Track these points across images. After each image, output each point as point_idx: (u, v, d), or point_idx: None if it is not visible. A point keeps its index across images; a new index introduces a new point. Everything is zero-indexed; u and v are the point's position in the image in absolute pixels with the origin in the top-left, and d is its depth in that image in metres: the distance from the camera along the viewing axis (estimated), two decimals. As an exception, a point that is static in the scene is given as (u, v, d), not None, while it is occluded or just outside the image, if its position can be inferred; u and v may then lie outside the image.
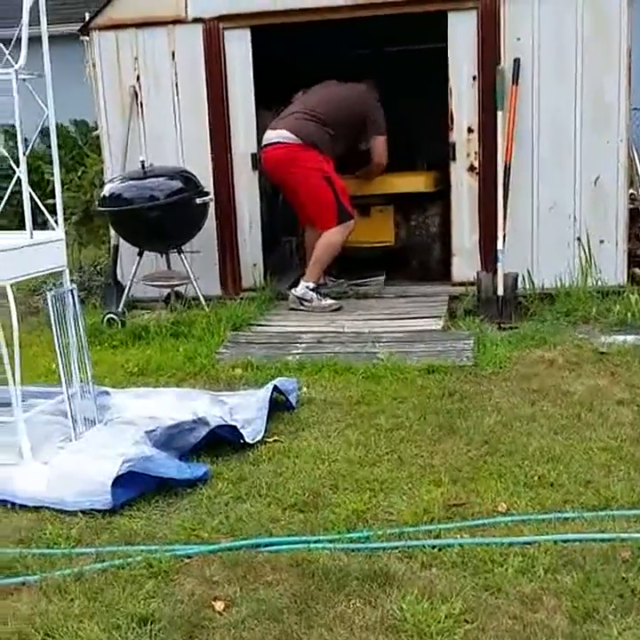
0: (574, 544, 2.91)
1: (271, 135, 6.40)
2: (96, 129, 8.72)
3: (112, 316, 6.16)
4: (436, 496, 3.34)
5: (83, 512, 3.36)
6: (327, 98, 6.45)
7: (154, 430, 3.90)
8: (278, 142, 6.34)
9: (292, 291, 6.39)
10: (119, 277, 6.80)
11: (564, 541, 2.93)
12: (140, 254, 6.40)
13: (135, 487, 3.50)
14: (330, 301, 6.33)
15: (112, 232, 6.77)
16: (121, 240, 6.64)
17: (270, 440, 4.01)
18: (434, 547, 2.96)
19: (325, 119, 6.32)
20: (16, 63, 3.86)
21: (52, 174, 7.52)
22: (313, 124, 6.31)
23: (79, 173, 8.22)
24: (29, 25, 3.82)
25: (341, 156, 6.54)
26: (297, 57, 7.49)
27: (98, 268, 7.88)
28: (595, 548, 2.88)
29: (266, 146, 6.43)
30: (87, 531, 3.25)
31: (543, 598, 2.63)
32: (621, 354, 4.97)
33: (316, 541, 3.05)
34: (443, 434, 3.99)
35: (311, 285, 6.32)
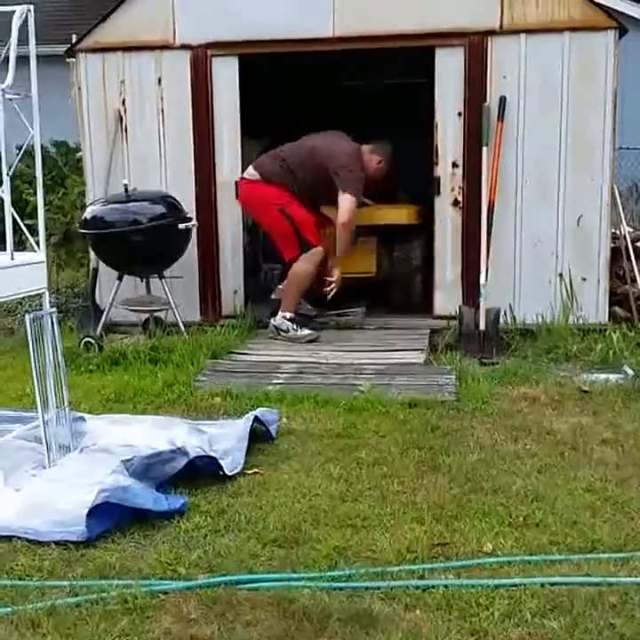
0: (561, 587, 2.86)
1: (246, 172, 6.49)
2: (76, 150, 8.68)
3: (89, 339, 6.07)
4: (419, 534, 3.28)
5: (56, 543, 3.25)
6: (301, 146, 6.40)
7: (131, 459, 3.80)
8: (243, 178, 6.44)
9: (271, 320, 6.36)
10: (97, 300, 6.72)
11: (551, 584, 2.88)
12: (120, 278, 6.33)
13: (110, 518, 3.40)
14: (306, 332, 6.30)
15: (92, 255, 6.70)
16: (100, 263, 6.56)
17: (250, 472, 3.94)
18: (418, 587, 2.89)
19: (291, 164, 6.32)
20: (3, 82, 3.83)
21: (31, 194, 7.50)
22: (277, 165, 6.35)
23: (59, 195, 8.15)
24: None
25: (314, 197, 6.48)
26: (286, 86, 7.52)
27: (75, 290, 7.79)
28: (582, 591, 2.82)
29: (240, 180, 6.53)
30: (60, 563, 3.14)
31: (531, 644, 2.57)
32: (604, 393, 4.96)
33: (296, 579, 2.97)
34: (425, 470, 3.93)
35: (288, 315, 6.30)
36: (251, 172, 6.40)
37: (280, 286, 6.54)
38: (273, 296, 6.54)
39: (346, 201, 6.14)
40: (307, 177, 6.28)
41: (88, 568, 3.09)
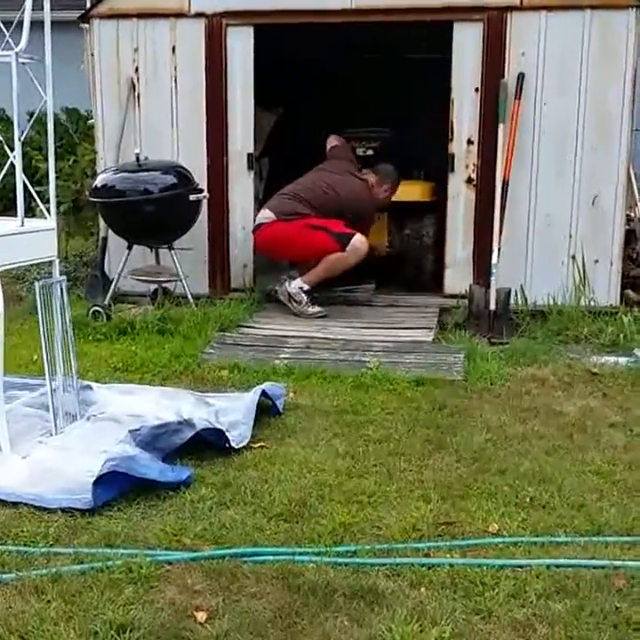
0: (567, 570, 2.85)
1: (258, 217, 6.43)
2: (87, 117, 8.62)
3: (97, 308, 6.05)
4: (425, 513, 3.27)
5: (62, 510, 3.26)
6: (321, 188, 6.37)
7: (138, 429, 3.80)
8: (261, 224, 6.36)
9: (286, 284, 6.31)
10: (106, 270, 6.69)
11: (557, 566, 2.87)
12: (130, 248, 6.29)
13: (115, 487, 3.40)
14: (317, 309, 6.26)
15: (102, 224, 6.67)
16: (110, 232, 6.53)
17: (256, 446, 3.93)
18: (423, 565, 2.89)
19: (311, 200, 6.30)
20: (16, 46, 3.78)
21: (41, 161, 7.44)
22: (295, 204, 6.30)
23: (69, 162, 8.10)
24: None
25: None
26: (301, 57, 7.43)
27: (84, 259, 7.76)
28: (588, 574, 2.81)
29: (254, 229, 6.46)
30: (66, 530, 3.15)
31: (536, 625, 2.56)
32: (614, 375, 4.93)
33: (301, 553, 2.97)
34: (432, 448, 3.92)
35: (306, 287, 6.26)
36: (268, 215, 6.33)
37: (284, 276, 6.46)
38: (276, 288, 6.43)
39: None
40: (328, 211, 6.29)
41: (93, 536, 3.10)
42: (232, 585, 2.79)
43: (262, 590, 2.76)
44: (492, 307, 5.96)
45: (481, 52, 6.16)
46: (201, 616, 2.62)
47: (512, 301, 6.07)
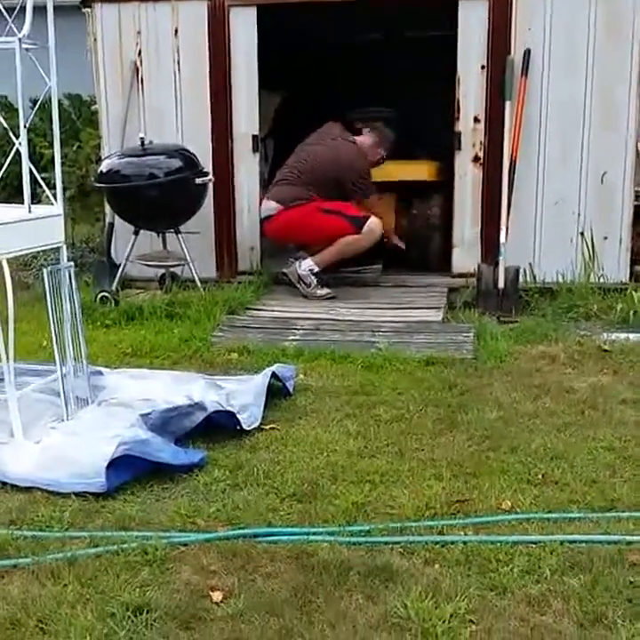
0: (580, 545, 2.86)
1: (264, 208, 6.41)
2: (90, 103, 8.59)
3: (105, 294, 6.06)
4: (437, 491, 3.28)
5: (76, 494, 3.28)
6: (311, 163, 6.34)
7: (149, 413, 3.82)
8: (269, 216, 6.36)
9: (296, 264, 6.29)
10: (113, 255, 6.69)
11: (571, 542, 2.87)
12: (136, 233, 6.28)
13: (128, 471, 3.42)
14: (325, 291, 6.25)
15: (107, 209, 6.65)
16: (116, 218, 6.52)
17: (267, 427, 3.94)
18: (437, 543, 2.90)
19: (308, 181, 6.28)
20: (19, 32, 3.76)
21: (45, 148, 7.42)
22: (295, 188, 6.29)
23: (74, 148, 8.07)
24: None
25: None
26: (304, 38, 7.39)
27: (91, 245, 7.75)
28: (601, 550, 2.82)
29: (262, 220, 6.46)
30: (80, 514, 3.17)
31: (550, 600, 2.57)
32: (624, 352, 4.92)
33: (315, 533, 2.98)
34: (443, 427, 3.92)
35: (316, 269, 6.25)
36: (273, 206, 6.32)
37: (292, 257, 6.45)
38: (285, 269, 6.42)
39: (373, 202, 6.42)
40: (326, 186, 6.27)
41: (108, 519, 3.12)
42: (247, 565, 2.81)
43: (277, 570, 2.78)
44: (501, 285, 5.95)
45: (487, 28, 6.09)
46: (217, 596, 2.64)
47: (521, 279, 6.05)
